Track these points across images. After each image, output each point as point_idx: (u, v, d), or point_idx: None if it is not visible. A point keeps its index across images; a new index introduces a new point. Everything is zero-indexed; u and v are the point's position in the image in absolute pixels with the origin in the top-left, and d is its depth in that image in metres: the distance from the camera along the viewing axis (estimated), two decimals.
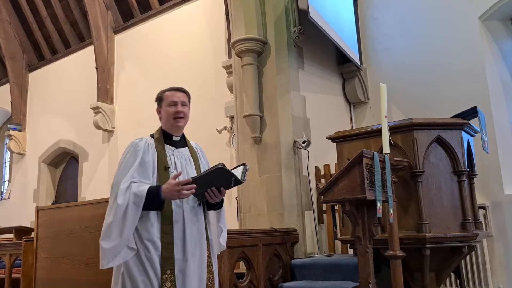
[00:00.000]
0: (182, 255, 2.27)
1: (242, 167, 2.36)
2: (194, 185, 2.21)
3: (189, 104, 2.54)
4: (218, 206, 2.48)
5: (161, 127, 2.51)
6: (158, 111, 2.52)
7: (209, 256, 2.43)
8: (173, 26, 7.41)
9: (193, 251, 2.31)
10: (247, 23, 4.57)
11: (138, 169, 2.31)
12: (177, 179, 2.21)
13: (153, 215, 2.26)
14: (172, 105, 2.44)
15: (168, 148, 2.43)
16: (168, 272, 2.23)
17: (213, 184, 2.29)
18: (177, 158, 2.43)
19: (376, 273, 3.39)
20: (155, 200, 2.22)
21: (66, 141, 8.87)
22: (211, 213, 2.49)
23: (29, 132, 9.70)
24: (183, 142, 2.52)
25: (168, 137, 2.47)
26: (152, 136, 2.48)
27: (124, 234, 2.19)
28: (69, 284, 3.48)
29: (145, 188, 2.24)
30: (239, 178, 2.30)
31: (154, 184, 2.31)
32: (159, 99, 2.51)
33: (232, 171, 2.30)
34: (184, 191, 2.18)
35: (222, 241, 2.55)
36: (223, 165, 2.26)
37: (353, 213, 2.73)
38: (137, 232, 2.24)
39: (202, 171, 2.39)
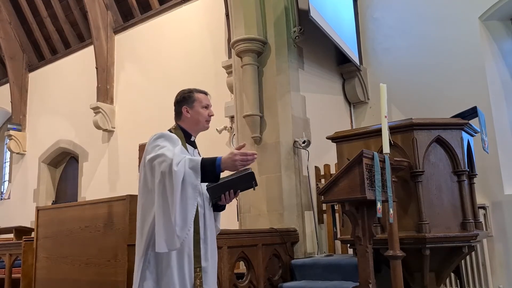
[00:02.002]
0: (204, 254, 2.31)
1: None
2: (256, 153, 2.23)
3: None
4: (222, 207, 2.52)
5: (179, 125, 2.52)
6: (186, 110, 2.49)
7: None
8: (173, 26, 7.41)
9: (211, 251, 2.37)
10: (247, 23, 4.57)
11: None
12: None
13: None
14: (206, 108, 2.50)
15: (189, 147, 2.47)
16: (198, 269, 2.26)
17: (234, 187, 2.33)
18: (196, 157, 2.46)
19: (376, 273, 3.38)
20: (210, 169, 2.16)
21: (66, 141, 8.88)
22: None
23: (29, 132, 9.70)
24: (195, 144, 2.58)
25: (187, 137, 2.49)
26: (170, 131, 2.49)
27: (189, 203, 2.13)
28: (69, 284, 3.47)
29: (197, 157, 2.23)
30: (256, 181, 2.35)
31: None
32: (189, 98, 2.51)
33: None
34: (250, 159, 2.18)
35: None
36: (251, 169, 2.32)
37: (353, 213, 2.73)
38: None
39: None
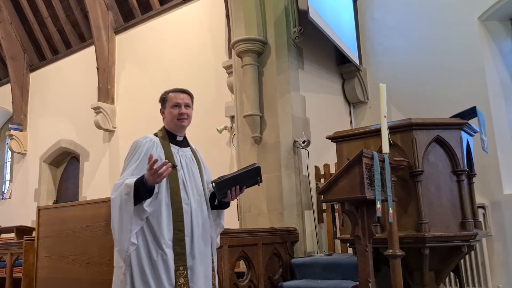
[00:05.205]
0: (190, 252, 2.32)
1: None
2: (169, 163, 2.19)
3: (192, 105, 2.57)
4: (227, 205, 2.53)
5: (164, 127, 2.54)
6: (162, 111, 2.55)
7: (211, 254, 2.48)
8: (174, 27, 7.43)
9: (200, 249, 2.36)
10: (247, 23, 4.58)
11: (139, 166, 2.33)
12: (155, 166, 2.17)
13: (165, 212, 2.29)
14: (175, 107, 2.47)
15: (173, 147, 2.47)
16: (181, 268, 2.27)
17: (241, 182, 2.34)
18: (182, 157, 2.47)
19: (376, 272, 3.38)
20: (142, 188, 2.21)
21: (67, 140, 8.90)
22: (212, 211, 2.53)
23: (30, 132, 9.73)
24: (185, 143, 2.57)
25: (172, 137, 2.50)
26: (156, 135, 2.50)
27: (124, 228, 2.22)
28: (70, 283, 3.49)
29: (135, 179, 2.26)
30: (262, 177, 2.38)
31: (163, 182, 2.31)
32: (163, 100, 2.54)
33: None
34: (160, 172, 2.15)
35: (218, 239, 2.60)
36: (257, 164, 2.36)
37: (352, 212, 2.74)
38: (149, 229, 2.27)
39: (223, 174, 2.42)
